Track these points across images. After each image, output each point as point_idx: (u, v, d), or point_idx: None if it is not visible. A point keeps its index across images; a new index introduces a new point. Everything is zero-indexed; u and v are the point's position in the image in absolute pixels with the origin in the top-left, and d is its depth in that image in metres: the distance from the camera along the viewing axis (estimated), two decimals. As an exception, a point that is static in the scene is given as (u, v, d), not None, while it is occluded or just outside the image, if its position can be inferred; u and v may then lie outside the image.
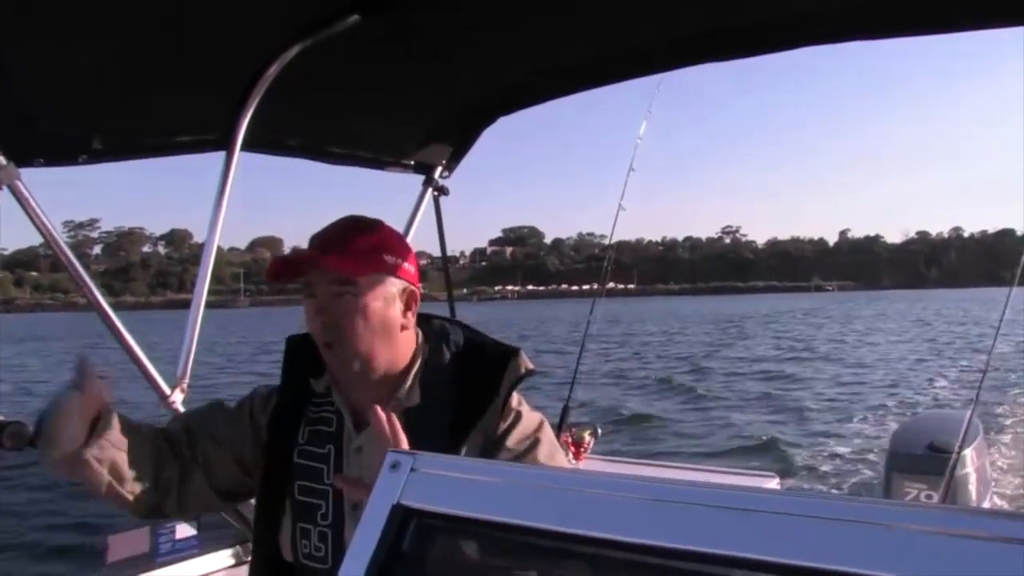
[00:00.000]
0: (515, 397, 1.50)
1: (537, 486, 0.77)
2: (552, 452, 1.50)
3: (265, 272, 1.52)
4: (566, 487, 0.76)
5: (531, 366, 1.51)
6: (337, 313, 1.42)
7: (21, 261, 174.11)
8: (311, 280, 1.44)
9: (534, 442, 1.47)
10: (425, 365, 1.51)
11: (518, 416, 1.48)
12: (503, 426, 1.47)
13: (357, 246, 1.44)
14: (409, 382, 1.48)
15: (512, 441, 1.46)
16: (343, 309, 1.42)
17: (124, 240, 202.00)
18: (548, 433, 1.52)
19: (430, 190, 2.68)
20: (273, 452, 1.52)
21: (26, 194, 1.82)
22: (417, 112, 2.48)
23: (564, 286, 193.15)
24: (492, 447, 1.45)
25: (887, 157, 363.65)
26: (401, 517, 0.77)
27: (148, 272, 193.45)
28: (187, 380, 2.09)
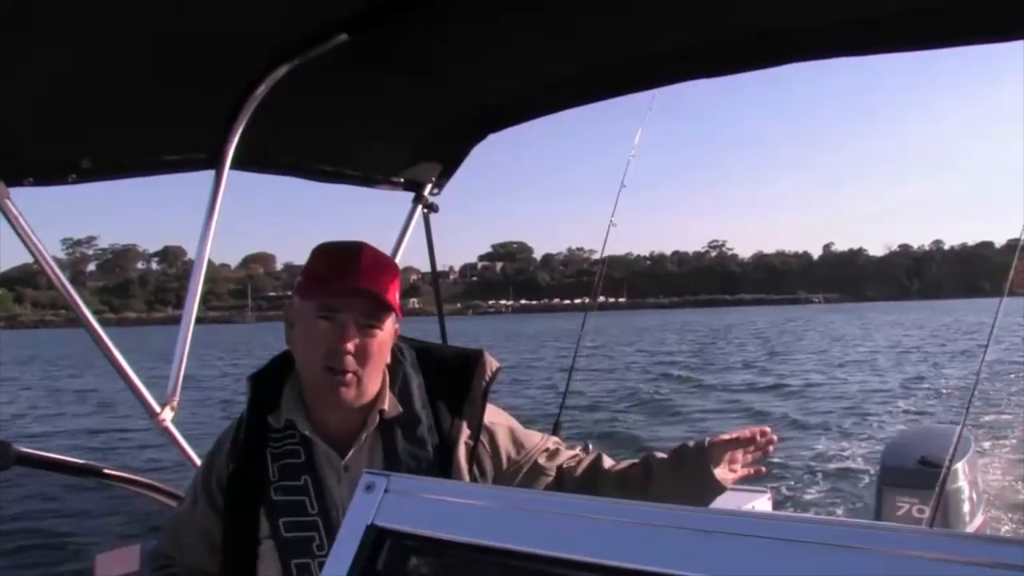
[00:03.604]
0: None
1: (511, 508, 0.77)
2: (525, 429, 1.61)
3: (304, 285, 1.45)
4: (542, 509, 0.75)
5: (498, 364, 1.54)
6: (365, 346, 1.41)
7: (19, 278, 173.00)
8: (343, 306, 1.40)
9: (512, 429, 1.58)
10: (393, 377, 1.53)
11: (493, 414, 1.56)
12: (487, 422, 1.53)
13: (388, 282, 1.45)
14: (388, 396, 1.49)
15: (503, 437, 1.54)
16: (371, 344, 1.41)
17: (120, 257, 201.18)
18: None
19: (420, 207, 2.68)
20: (242, 496, 1.46)
21: (15, 213, 1.83)
22: (406, 130, 2.48)
23: (556, 300, 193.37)
24: (489, 444, 1.52)
25: (872, 169, 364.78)
26: (375, 538, 0.77)
27: (146, 289, 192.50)
28: (177, 398, 2.08)
